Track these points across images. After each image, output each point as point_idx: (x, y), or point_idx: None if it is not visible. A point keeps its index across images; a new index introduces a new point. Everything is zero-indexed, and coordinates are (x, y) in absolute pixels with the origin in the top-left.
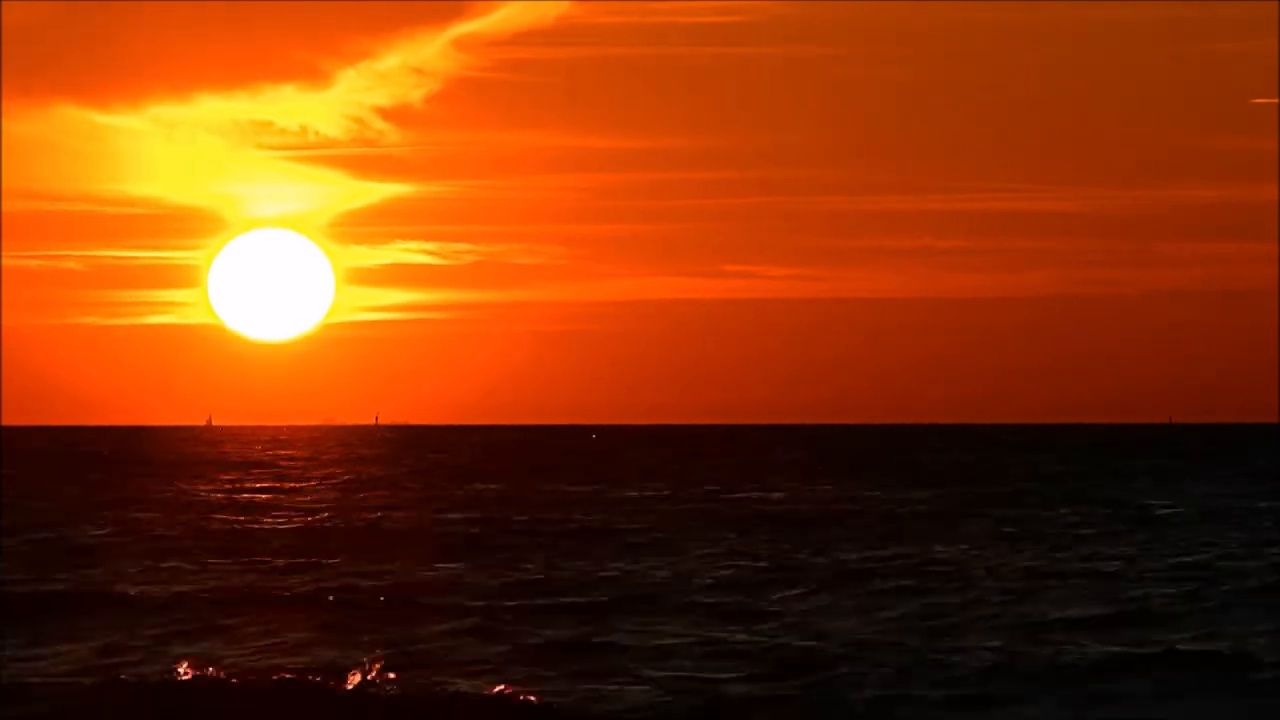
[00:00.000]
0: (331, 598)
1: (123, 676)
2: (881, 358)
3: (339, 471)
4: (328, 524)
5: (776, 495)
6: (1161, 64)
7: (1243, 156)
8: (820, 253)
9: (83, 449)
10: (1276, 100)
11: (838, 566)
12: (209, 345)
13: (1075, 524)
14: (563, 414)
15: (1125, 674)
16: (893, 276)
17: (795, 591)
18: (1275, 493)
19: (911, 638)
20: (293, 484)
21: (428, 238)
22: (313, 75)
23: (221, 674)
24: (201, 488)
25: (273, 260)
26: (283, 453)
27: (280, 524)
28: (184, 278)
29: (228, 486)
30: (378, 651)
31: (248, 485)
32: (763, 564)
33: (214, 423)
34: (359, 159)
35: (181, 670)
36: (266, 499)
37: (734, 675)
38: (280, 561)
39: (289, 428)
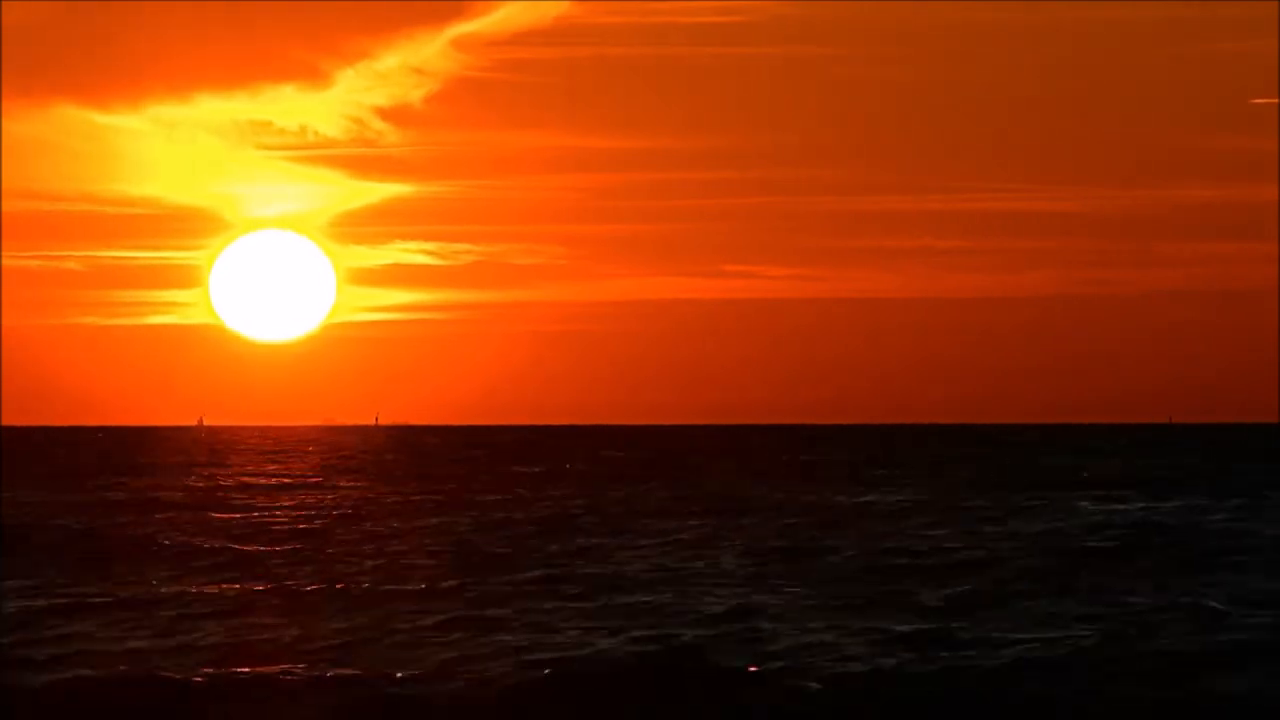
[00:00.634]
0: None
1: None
2: (881, 358)
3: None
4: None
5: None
6: (1161, 64)
7: (1243, 156)
8: (820, 253)
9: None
10: (1276, 100)
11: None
12: (209, 345)
13: None
14: (563, 414)
15: None
16: (892, 276)
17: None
18: None
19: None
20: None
21: (427, 238)
22: (312, 75)
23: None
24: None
25: (275, 261)
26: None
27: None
28: (184, 278)
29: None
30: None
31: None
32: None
33: (205, 423)
34: (358, 159)
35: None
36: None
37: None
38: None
39: (276, 428)
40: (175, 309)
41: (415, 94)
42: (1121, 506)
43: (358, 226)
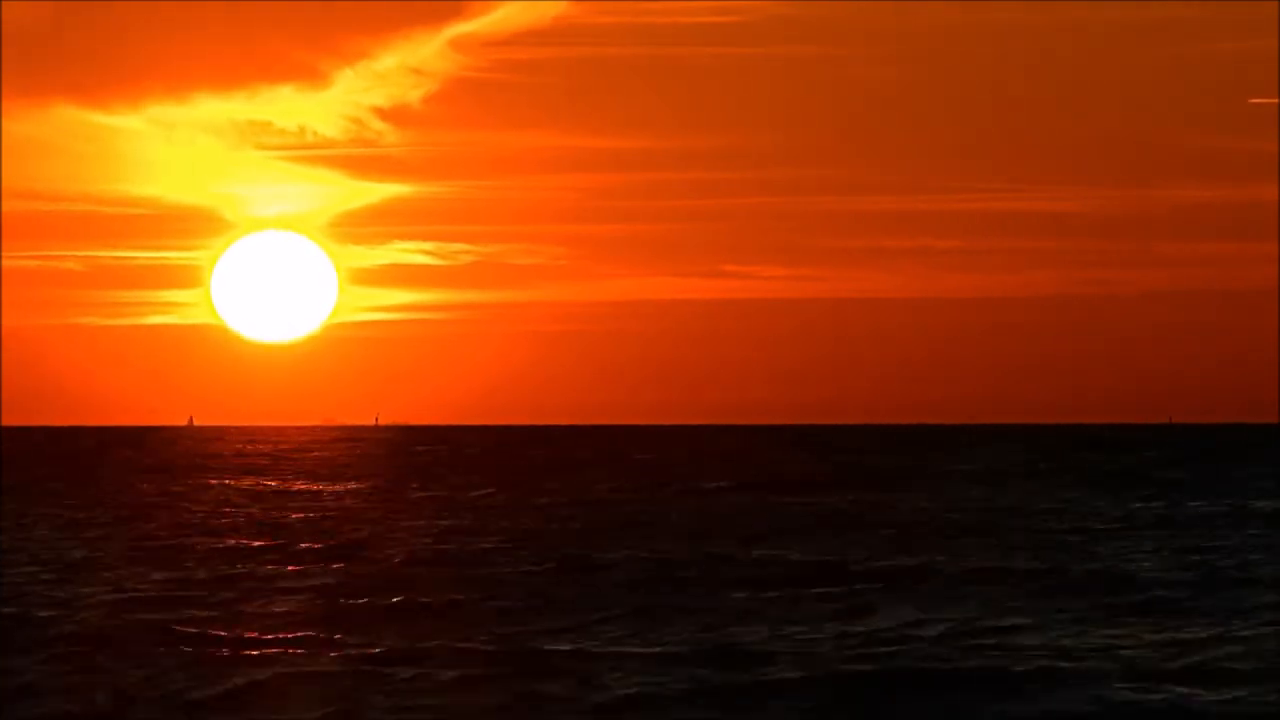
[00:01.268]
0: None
1: None
2: (881, 358)
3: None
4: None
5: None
6: (1161, 64)
7: (1242, 156)
8: (819, 253)
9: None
10: (1276, 100)
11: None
12: (209, 346)
13: None
14: (563, 414)
15: None
16: (891, 276)
17: None
18: None
19: None
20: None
21: (426, 238)
22: (311, 76)
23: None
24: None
25: (277, 261)
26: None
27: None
28: (184, 278)
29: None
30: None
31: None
32: None
33: (195, 422)
34: (357, 159)
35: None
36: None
37: None
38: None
39: (270, 428)
40: (175, 309)
41: (414, 94)
42: None
43: (357, 227)
